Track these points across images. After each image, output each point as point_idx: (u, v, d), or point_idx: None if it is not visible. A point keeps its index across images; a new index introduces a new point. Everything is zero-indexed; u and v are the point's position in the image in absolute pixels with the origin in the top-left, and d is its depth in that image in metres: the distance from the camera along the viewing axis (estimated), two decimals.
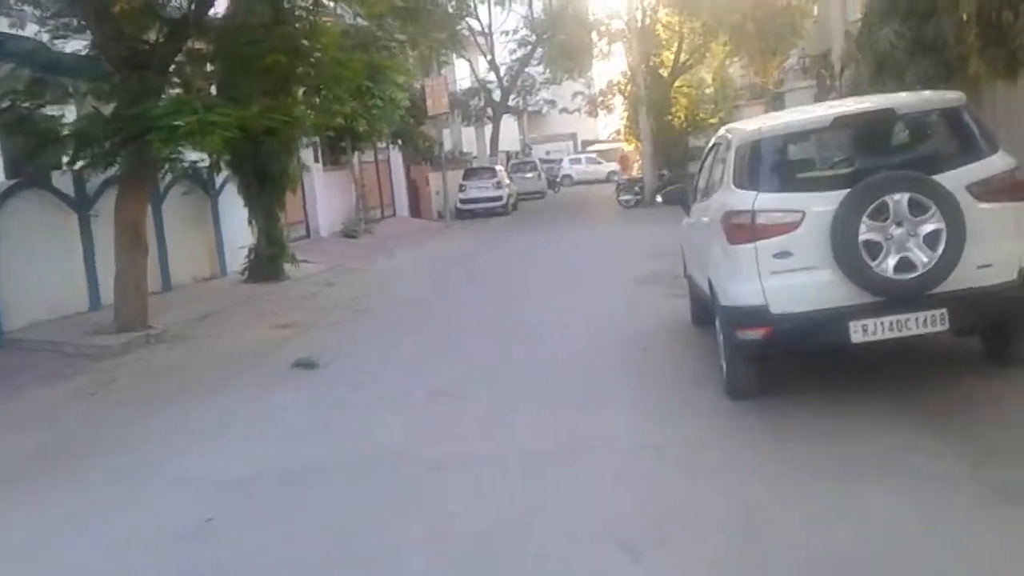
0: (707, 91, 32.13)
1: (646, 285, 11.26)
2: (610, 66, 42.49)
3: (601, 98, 37.18)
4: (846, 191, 4.89)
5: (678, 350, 7.50)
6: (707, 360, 6.67)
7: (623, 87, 32.38)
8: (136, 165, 10.27)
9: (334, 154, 21.35)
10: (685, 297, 9.25)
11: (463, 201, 28.95)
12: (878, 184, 4.82)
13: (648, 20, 28.18)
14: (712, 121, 25.96)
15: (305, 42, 14.08)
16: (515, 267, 14.98)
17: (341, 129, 20.64)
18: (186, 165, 11.98)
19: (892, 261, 4.80)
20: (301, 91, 15.52)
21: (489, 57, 36.14)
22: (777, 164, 5.40)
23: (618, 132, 42.47)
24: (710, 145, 7.28)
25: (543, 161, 43.29)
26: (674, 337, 8.14)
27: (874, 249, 4.81)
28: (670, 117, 29.20)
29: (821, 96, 14.80)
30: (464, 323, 9.78)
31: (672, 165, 28.25)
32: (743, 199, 5.28)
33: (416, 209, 27.40)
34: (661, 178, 27.52)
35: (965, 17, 7.50)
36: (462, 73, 39.02)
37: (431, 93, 25.19)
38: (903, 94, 6.15)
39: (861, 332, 4.95)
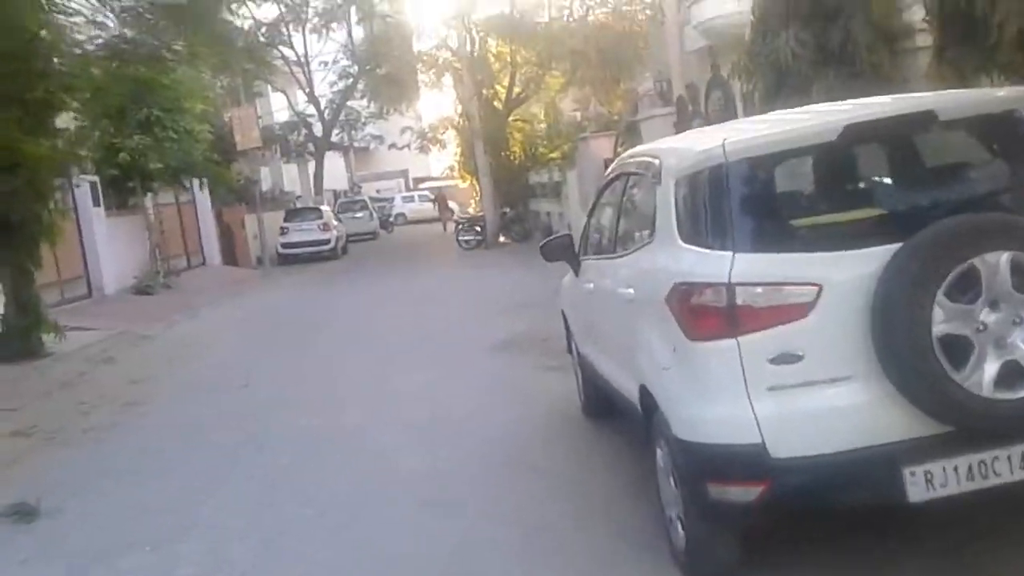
0: (540, 125, 30.77)
1: (507, 353, 9.11)
2: (440, 99, 40.89)
3: (431, 133, 35.18)
4: (894, 247, 2.89)
5: (572, 468, 5.31)
6: (624, 488, 4.57)
7: (455, 121, 30.53)
8: None
9: (121, 196, 18.01)
10: (562, 371, 7.22)
11: (285, 245, 26.04)
12: (957, 235, 2.84)
13: (479, 50, 26.47)
14: (552, 156, 24.44)
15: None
16: (343, 329, 12.44)
17: (127, 166, 17.61)
18: None
19: (991, 369, 2.80)
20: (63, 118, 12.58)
21: (308, 89, 33.38)
22: (759, 203, 3.34)
23: (452, 168, 40.62)
24: (610, 175, 5.23)
25: (374, 199, 40.83)
26: (561, 439, 5.98)
27: (956, 349, 2.82)
28: (507, 152, 27.53)
29: (682, 125, 13.29)
30: (269, 427, 7.18)
31: (513, 202, 26.55)
32: (707, 264, 3.18)
33: (231, 256, 24.21)
34: (503, 216, 25.79)
35: (926, 11, 5.87)
36: (279, 105, 36.05)
37: (239, 125, 22.29)
38: (947, 92, 4.25)
39: (924, 485, 2.93)
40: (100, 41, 13.14)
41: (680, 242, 3.44)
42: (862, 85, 7.00)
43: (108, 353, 11.85)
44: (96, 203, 16.76)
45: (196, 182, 21.57)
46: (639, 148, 5.15)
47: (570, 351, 6.68)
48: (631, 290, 3.96)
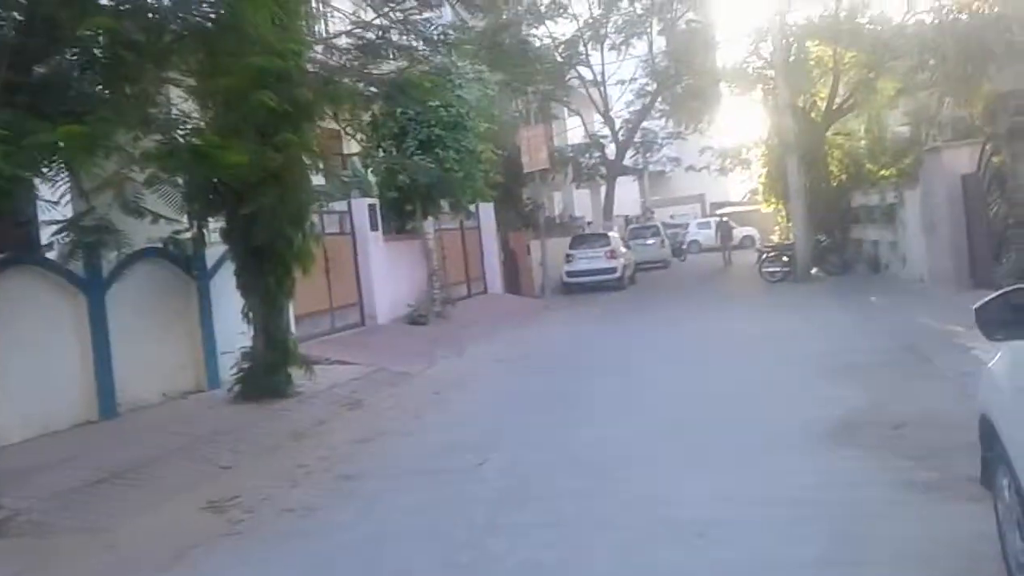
0: (860, 142, 26.48)
1: (841, 448, 6.29)
2: (745, 115, 37.65)
3: (734, 153, 32.01)
4: None
5: None
6: None
7: (763, 138, 27.26)
8: None
9: (400, 219, 17.13)
10: (951, 498, 4.42)
11: (570, 273, 24.36)
12: None
13: (795, 54, 23.15)
14: (885, 174, 20.48)
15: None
16: (613, 385, 10.08)
17: (407, 189, 16.70)
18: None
19: None
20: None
21: (602, 109, 31.71)
22: None
23: (754, 192, 37.08)
24: None
25: (667, 226, 38.34)
26: None
27: None
28: (825, 171, 23.84)
29: None
30: (485, 546, 4.99)
31: (830, 229, 22.83)
32: None
33: (514, 283, 22.94)
34: (818, 244, 22.19)
35: None
36: (573, 128, 34.85)
37: (528, 146, 20.90)
38: None
39: None
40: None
41: None
42: None
43: (357, 395, 10.48)
44: (374, 227, 15.95)
45: (478, 206, 20.51)
46: None
47: (988, 483, 3.83)
48: None
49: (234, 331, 10.44)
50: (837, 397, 7.92)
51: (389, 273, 16.21)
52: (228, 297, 10.52)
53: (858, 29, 21.88)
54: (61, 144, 6.18)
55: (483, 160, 18.02)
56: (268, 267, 10.05)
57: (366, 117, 10.67)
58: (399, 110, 16.75)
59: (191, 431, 8.79)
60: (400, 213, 17.07)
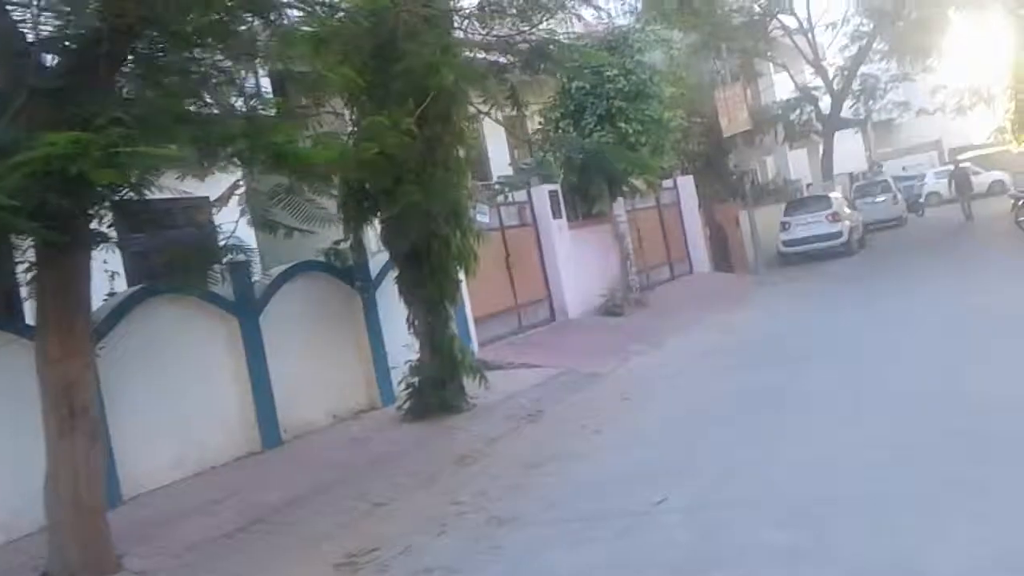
0: None
1: None
2: (981, 45, 32.93)
3: (976, 90, 27.85)
4: None
5: None
6: None
7: (1010, 69, 23.32)
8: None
9: (588, 203, 15.82)
10: None
11: (787, 243, 22.02)
12: None
13: None
14: None
15: None
16: (853, 384, 8.24)
17: (590, 170, 15.34)
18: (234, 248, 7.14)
19: None
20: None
21: (812, 58, 28.60)
22: None
23: (1000, 131, 32.27)
24: None
25: (899, 179, 34.28)
26: None
27: None
28: None
29: None
30: None
31: None
32: None
33: (724, 260, 20.96)
34: None
35: None
36: (783, 85, 31.86)
37: (725, 108, 18.89)
38: None
39: None
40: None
41: None
42: None
43: (537, 404, 9.34)
44: (557, 214, 14.77)
45: (675, 180, 18.83)
46: None
47: None
48: None
49: (403, 343, 9.66)
50: None
51: (577, 263, 14.98)
52: (397, 307, 9.71)
53: None
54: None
55: (672, 129, 16.34)
56: (427, 271, 9.14)
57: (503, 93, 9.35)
58: (575, 85, 15.53)
59: (353, 459, 8.05)
60: (585, 196, 15.75)
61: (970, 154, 38.80)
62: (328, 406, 9.47)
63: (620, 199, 16.16)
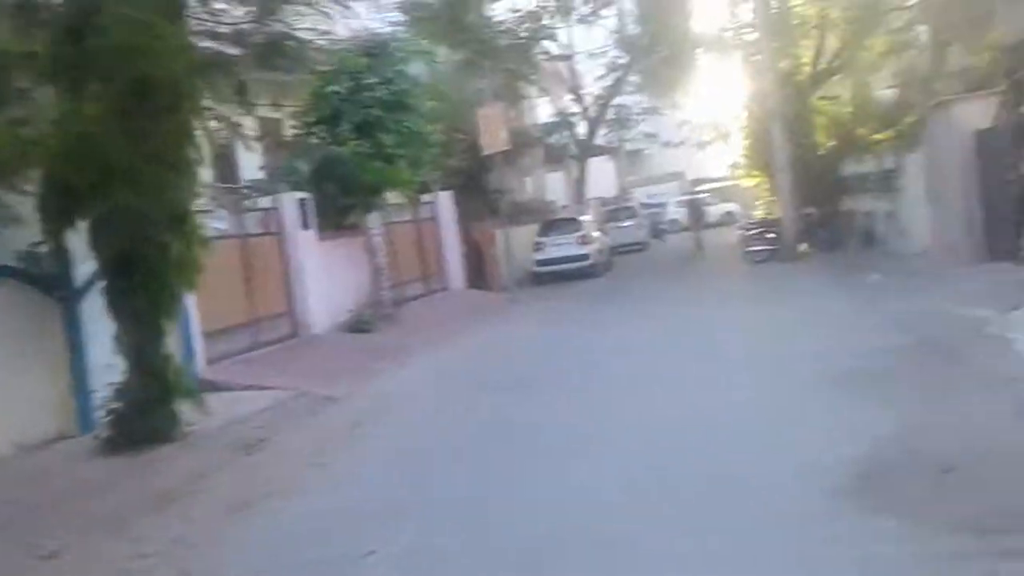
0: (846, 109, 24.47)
1: (882, 519, 4.38)
2: (723, 85, 35.74)
3: (713, 125, 30.08)
4: None
5: None
6: None
7: (744, 106, 25.34)
8: None
9: (341, 215, 15.10)
10: None
11: (540, 262, 22.47)
12: None
13: (779, 11, 21.23)
14: (879, 138, 18.57)
15: None
16: (584, 410, 8.20)
17: (345, 181, 14.66)
18: None
19: None
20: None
21: (571, 85, 29.66)
22: None
23: (735, 166, 35.17)
24: None
25: (645, 206, 36.47)
26: None
27: None
28: (811, 138, 21.96)
29: None
30: None
31: (819, 201, 20.98)
32: None
33: (480, 278, 20.96)
34: (806, 219, 20.38)
35: None
36: (542, 104, 32.78)
37: (485, 127, 18.92)
38: None
39: None
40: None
41: None
42: None
43: (262, 433, 8.51)
44: (307, 224, 13.95)
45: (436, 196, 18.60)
46: None
47: None
48: None
49: (107, 363, 8.49)
50: (852, 423, 6.06)
51: (328, 276, 14.23)
52: (106, 322, 8.50)
53: None
54: None
55: (432, 143, 16.05)
56: (137, 281, 8.08)
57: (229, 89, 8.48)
58: (330, 89, 14.82)
59: (30, 498, 6.90)
60: (339, 207, 15.03)
61: (708, 186, 42.07)
62: (11, 434, 8.12)
63: (376, 212, 15.61)
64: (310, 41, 9.30)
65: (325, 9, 10.47)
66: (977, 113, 11.82)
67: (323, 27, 11.18)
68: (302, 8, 9.47)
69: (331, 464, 7.26)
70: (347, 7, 10.62)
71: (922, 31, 15.83)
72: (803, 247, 19.89)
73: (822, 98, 23.15)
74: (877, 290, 12.85)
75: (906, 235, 16.11)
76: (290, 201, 13.73)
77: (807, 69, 22.34)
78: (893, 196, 16.58)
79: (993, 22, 13.10)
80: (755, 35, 20.94)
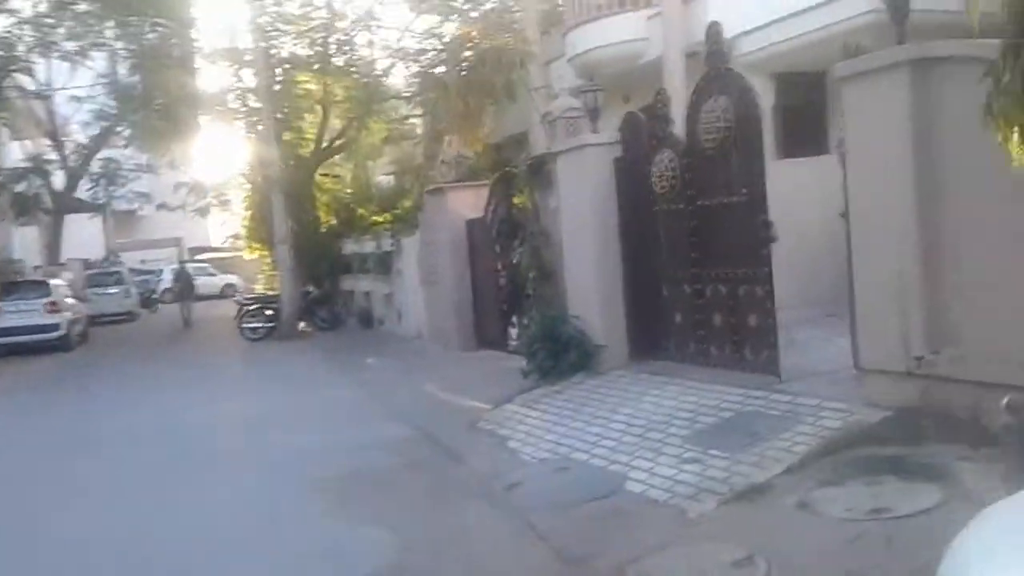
0: (347, 191, 24.78)
1: None
2: (226, 150, 34.30)
3: (214, 191, 28.35)
4: None
5: None
6: None
7: (247, 174, 24.17)
8: None
9: None
10: None
11: None
12: None
13: (283, 83, 20.65)
14: (379, 219, 18.72)
15: None
16: (30, 522, 6.04)
17: None
18: None
19: None
20: None
21: (47, 128, 25.77)
22: None
23: (236, 236, 33.64)
24: None
25: (137, 272, 33.12)
26: None
27: None
28: (314, 215, 21.60)
29: (639, 160, 8.31)
30: None
31: (319, 278, 20.52)
32: None
33: None
34: (306, 296, 19.73)
35: None
36: (17, 148, 28.01)
37: None
38: None
39: None
40: None
41: None
42: None
43: None
44: None
45: None
46: None
47: None
48: None
49: None
50: (344, 551, 5.05)
51: None
52: None
53: (348, 64, 20.21)
54: None
55: None
56: None
57: None
58: None
59: None
60: None
61: (209, 255, 39.90)
62: None
63: None
64: None
65: None
66: (469, 202, 12.18)
67: None
68: None
69: None
70: None
71: (420, 123, 16.39)
72: (302, 325, 19.20)
73: (325, 175, 23.05)
74: (375, 374, 12.43)
75: (403, 318, 16.23)
76: None
77: (311, 144, 22.05)
78: (391, 278, 16.66)
79: (483, 120, 13.88)
80: (259, 103, 20.03)
